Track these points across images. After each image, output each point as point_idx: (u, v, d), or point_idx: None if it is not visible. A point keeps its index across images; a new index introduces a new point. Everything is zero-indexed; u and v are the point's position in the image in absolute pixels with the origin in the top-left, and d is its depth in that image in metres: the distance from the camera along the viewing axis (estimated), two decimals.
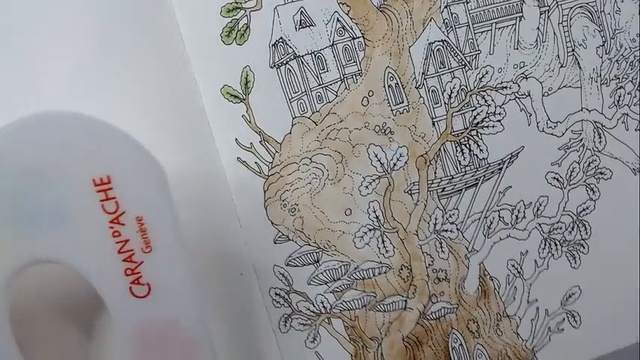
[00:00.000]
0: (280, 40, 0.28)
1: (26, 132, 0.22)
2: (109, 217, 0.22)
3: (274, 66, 0.28)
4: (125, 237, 0.23)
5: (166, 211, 0.23)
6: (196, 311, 0.24)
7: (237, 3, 0.28)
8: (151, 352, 0.24)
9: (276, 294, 0.29)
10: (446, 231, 0.30)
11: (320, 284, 0.29)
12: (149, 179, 0.23)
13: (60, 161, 0.22)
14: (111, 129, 0.22)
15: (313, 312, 0.29)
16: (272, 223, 0.29)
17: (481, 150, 0.30)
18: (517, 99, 0.30)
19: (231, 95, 0.28)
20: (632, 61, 0.32)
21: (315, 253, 0.29)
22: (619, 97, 0.32)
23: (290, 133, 0.29)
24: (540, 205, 0.31)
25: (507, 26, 0.30)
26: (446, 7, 0.30)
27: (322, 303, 0.30)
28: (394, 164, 0.29)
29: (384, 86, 0.29)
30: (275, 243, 0.29)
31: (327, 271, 0.29)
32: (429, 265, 0.30)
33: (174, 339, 0.24)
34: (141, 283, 0.23)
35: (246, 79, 0.28)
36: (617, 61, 0.32)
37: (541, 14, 0.31)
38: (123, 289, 0.23)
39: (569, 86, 0.31)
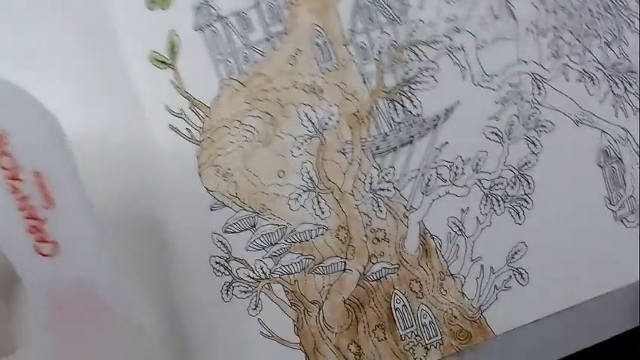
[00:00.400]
0: (204, 2, 0.33)
1: None
2: (5, 172, 0.25)
3: (199, 28, 0.33)
4: (24, 193, 0.25)
5: (65, 165, 0.26)
6: (106, 270, 0.27)
7: None
8: (62, 311, 0.26)
9: (216, 262, 0.34)
10: (382, 190, 0.34)
11: (258, 249, 0.34)
12: (44, 133, 0.26)
13: None
14: (2, 83, 0.25)
15: (253, 278, 0.34)
16: (207, 189, 0.33)
17: (415, 106, 0.34)
18: (450, 53, 0.35)
19: (159, 61, 0.33)
20: (569, 11, 0.36)
21: (251, 218, 0.33)
22: (557, 47, 0.36)
23: (218, 96, 0.33)
24: (479, 160, 0.35)
25: None
26: None
27: (262, 269, 0.34)
28: (325, 123, 0.34)
29: (311, 44, 0.33)
30: (211, 210, 0.34)
31: (264, 236, 0.34)
32: (367, 225, 0.34)
33: (85, 298, 0.26)
34: (46, 241, 0.25)
35: (172, 43, 0.33)
36: (553, 11, 0.36)
37: None
38: (28, 248, 0.25)
39: (505, 38, 0.36)
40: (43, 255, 0.25)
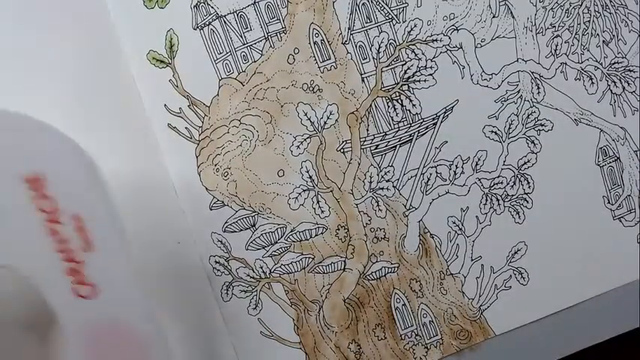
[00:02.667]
0: (202, 1, 0.32)
1: None
2: (45, 215, 0.25)
3: (197, 27, 0.32)
4: (63, 236, 0.25)
5: (104, 207, 0.26)
6: (144, 309, 0.27)
7: None
8: (100, 352, 0.26)
9: (216, 262, 0.33)
10: (382, 189, 0.34)
11: (258, 249, 0.34)
12: (82, 175, 0.26)
13: None
14: (41, 125, 0.25)
15: (253, 277, 0.34)
16: (206, 189, 0.33)
17: (414, 105, 0.34)
18: (449, 52, 0.35)
19: (157, 60, 0.32)
20: (567, 9, 0.36)
21: (250, 217, 0.33)
22: (556, 46, 0.36)
23: (217, 95, 0.33)
24: (479, 159, 0.35)
25: None
26: None
27: (261, 268, 0.34)
28: (325, 122, 0.34)
29: (310, 43, 0.33)
30: (211, 209, 0.33)
31: (264, 235, 0.34)
32: (367, 224, 0.34)
33: (124, 338, 0.27)
34: (84, 283, 0.25)
35: (170, 42, 0.32)
36: (552, 9, 0.36)
37: None
38: (66, 290, 0.25)
39: (503, 37, 0.36)
40: (81, 297, 0.25)
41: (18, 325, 0.27)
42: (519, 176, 0.37)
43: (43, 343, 0.27)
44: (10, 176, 0.24)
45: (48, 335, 0.27)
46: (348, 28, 0.34)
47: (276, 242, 0.34)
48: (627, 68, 0.37)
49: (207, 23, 0.33)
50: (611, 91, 0.37)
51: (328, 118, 0.34)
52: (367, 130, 0.35)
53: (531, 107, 0.37)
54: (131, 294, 0.27)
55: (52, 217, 0.25)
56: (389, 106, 0.35)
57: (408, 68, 0.35)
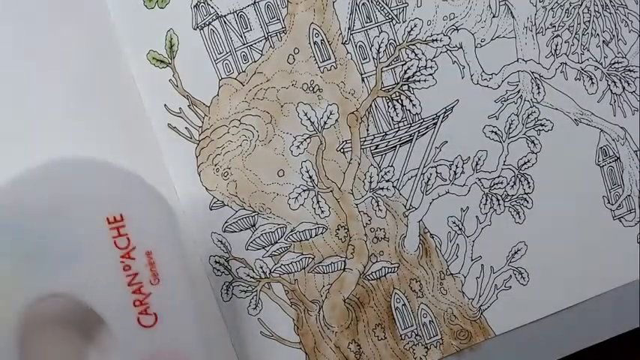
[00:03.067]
0: (202, 1, 0.32)
1: (45, 176, 0.27)
2: (121, 252, 0.27)
3: (197, 27, 0.32)
4: (135, 270, 0.27)
5: (173, 245, 0.28)
6: (200, 341, 0.29)
7: None
8: None
9: (215, 262, 0.33)
10: (382, 189, 0.34)
11: (258, 249, 0.34)
12: (158, 217, 0.28)
13: (76, 203, 0.27)
14: (123, 172, 0.28)
15: (253, 277, 0.33)
16: (206, 189, 0.33)
17: (414, 105, 0.34)
18: (449, 51, 0.35)
19: (157, 60, 0.32)
20: (567, 9, 0.36)
21: (250, 217, 0.33)
22: (556, 46, 0.36)
23: (217, 95, 0.33)
24: (479, 159, 0.35)
25: None
26: None
27: (261, 268, 0.34)
28: (325, 122, 0.33)
29: (310, 43, 0.33)
30: (211, 209, 0.33)
31: (264, 235, 0.33)
32: (367, 224, 0.34)
33: None
34: (148, 313, 0.27)
35: (170, 42, 0.32)
36: (552, 9, 0.36)
37: None
38: (131, 320, 0.27)
39: (503, 37, 0.35)
40: (143, 326, 0.27)
41: (63, 321, 0.29)
42: (519, 176, 0.37)
43: (86, 341, 0.29)
44: (94, 217, 0.27)
45: (92, 335, 0.29)
46: (348, 28, 0.34)
47: (276, 242, 0.34)
48: (627, 68, 0.37)
49: (207, 23, 0.33)
50: (611, 91, 0.37)
51: (328, 118, 0.34)
52: (367, 130, 0.35)
53: (531, 107, 0.37)
54: (190, 327, 0.28)
55: (126, 254, 0.27)
56: (389, 106, 0.35)
57: (408, 68, 0.35)
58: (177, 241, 0.28)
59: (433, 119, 0.35)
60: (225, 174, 0.34)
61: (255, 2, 0.34)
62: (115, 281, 0.27)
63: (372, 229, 0.35)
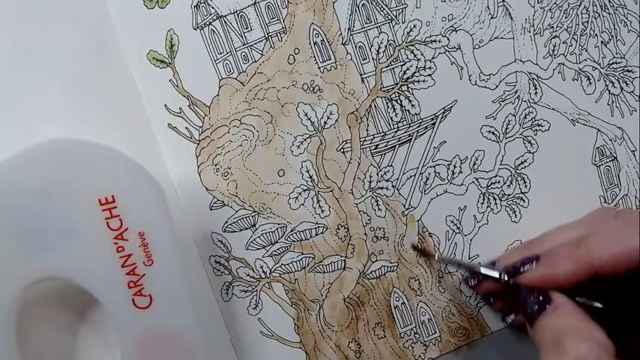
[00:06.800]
0: (202, 1, 0.32)
1: (37, 159, 0.27)
2: (113, 233, 0.27)
3: (198, 27, 0.32)
4: (128, 251, 0.27)
5: (165, 225, 0.28)
6: (195, 321, 0.29)
7: None
8: (150, 357, 0.28)
9: (216, 262, 0.33)
10: (381, 188, 0.34)
11: (258, 249, 0.33)
12: (149, 197, 0.28)
13: (67, 184, 0.27)
14: (114, 153, 0.28)
15: (253, 277, 0.33)
16: (206, 189, 0.32)
17: (413, 105, 0.34)
18: (447, 52, 0.34)
19: (157, 60, 0.32)
20: (565, 9, 0.36)
21: (251, 217, 0.33)
22: (554, 46, 0.35)
23: (218, 95, 0.32)
24: (477, 159, 0.35)
25: None
26: None
27: (262, 268, 0.33)
28: (325, 122, 0.33)
29: (310, 43, 0.33)
30: (211, 209, 0.33)
31: (265, 235, 0.33)
32: (367, 223, 0.34)
33: (174, 346, 0.28)
34: (143, 295, 0.28)
35: (170, 42, 0.32)
36: (550, 10, 0.35)
37: None
38: (126, 301, 0.27)
39: (501, 37, 0.35)
40: (139, 308, 0.27)
41: (60, 303, 0.29)
42: (516, 176, 0.36)
43: (79, 320, 0.30)
44: (86, 199, 0.27)
45: (88, 316, 0.29)
46: (348, 29, 0.34)
47: (277, 242, 0.34)
48: (626, 68, 0.37)
49: (208, 23, 0.33)
50: (609, 91, 0.37)
51: (328, 118, 0.34)
52: (367, 130, 0.34)
53: (528, 107, 0.36)
54: (183, 305, 0.28)
55: (119, 235, 0.27)
56: (388, 107, 0.34)
57: (407, 69, 0.35)
58: (168, 221, 0.28)
59: (432, 119, 0.35)
60: (226, 174, 0.33)
61: (255, 2, 0.33)
62: (109, 262, 0.27)
63: (372, 229, 0.35)
